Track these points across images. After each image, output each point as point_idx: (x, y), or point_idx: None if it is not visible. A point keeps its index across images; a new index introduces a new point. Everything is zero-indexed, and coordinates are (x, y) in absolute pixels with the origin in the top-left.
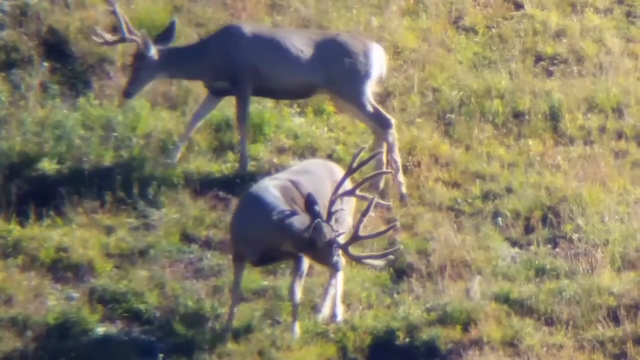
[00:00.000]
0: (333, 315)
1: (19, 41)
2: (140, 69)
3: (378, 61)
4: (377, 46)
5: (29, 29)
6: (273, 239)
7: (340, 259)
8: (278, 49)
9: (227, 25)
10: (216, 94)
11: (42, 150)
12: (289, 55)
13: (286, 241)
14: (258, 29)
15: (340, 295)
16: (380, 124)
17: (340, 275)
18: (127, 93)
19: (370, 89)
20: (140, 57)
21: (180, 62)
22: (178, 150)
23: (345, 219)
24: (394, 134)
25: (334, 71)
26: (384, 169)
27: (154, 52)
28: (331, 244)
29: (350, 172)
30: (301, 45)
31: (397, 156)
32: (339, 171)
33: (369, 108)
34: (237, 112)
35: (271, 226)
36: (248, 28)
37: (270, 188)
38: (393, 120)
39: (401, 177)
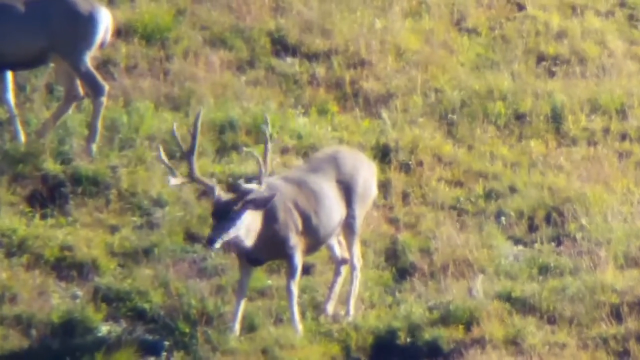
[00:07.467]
0: (346, 312)
1: None
2: None
3: (103, 26)
4: (105, 10)
5: None
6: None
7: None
8: (2, 18)
9: None
10: None
11: (47, 151)
12: (13, 22)
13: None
14: None
15: (355, 295)
16: (92, 88)
17: (357, 276)
18: None
19: (90, 53)
20: None
21: None
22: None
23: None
24: (103, 103)
25: (56, 32)
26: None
27: None
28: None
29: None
30: (25, 9)
31: (99, 124)
32: (350, 159)
33: (85, 70)
34: None
35: None
36: None
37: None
38: (106, 88)
39: (94, 146)
